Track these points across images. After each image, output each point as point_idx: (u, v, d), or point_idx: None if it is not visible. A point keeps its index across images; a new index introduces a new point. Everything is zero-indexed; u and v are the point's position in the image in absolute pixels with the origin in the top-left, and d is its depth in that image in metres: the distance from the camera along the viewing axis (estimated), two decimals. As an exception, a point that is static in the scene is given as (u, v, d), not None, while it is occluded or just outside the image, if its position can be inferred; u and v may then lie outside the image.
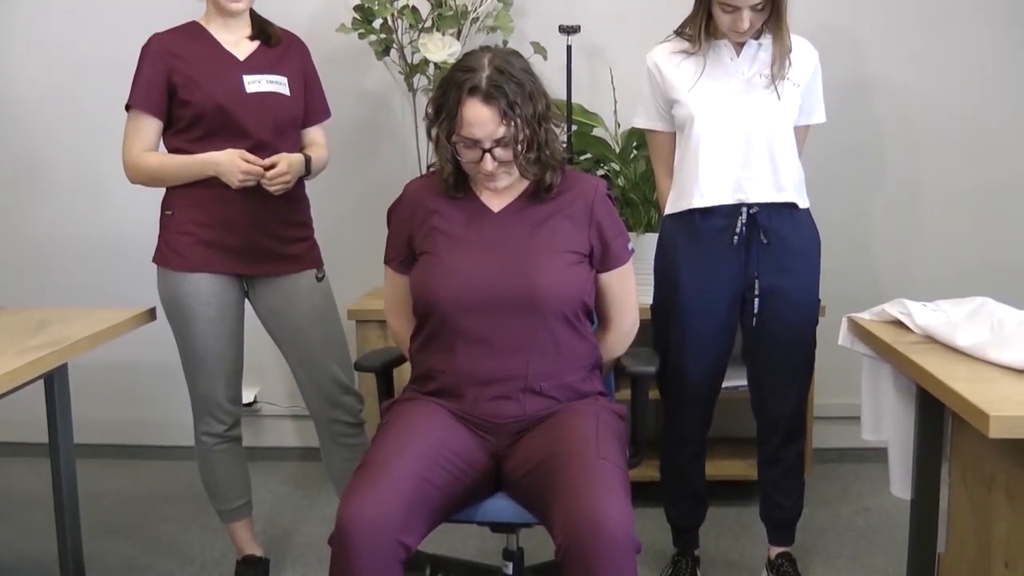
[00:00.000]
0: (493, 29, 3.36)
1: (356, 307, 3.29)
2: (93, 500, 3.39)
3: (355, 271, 3.38)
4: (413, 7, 3.27)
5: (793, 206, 2.54)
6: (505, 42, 3.31)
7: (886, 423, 2.41)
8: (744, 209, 2.51)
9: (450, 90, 2.09)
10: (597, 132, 3.39)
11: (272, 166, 2.51)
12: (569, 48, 3.27)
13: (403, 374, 2.39)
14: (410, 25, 3.28)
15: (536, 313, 2.09)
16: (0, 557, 3.12)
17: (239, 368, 2.72)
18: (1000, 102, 3.56)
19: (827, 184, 3.33)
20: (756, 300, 2.55)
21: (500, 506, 2.13)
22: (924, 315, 2.21)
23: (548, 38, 3.32)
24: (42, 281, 3.84)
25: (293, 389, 3.64)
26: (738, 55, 2.51)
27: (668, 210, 2.62)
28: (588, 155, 3.34)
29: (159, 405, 3.87)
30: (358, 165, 3.61)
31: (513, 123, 2.06)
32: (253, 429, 3.70)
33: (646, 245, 2.95)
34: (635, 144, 3.26)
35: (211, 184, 2.52)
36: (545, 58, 3.26)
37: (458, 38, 3.28)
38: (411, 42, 3.30)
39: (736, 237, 2.51)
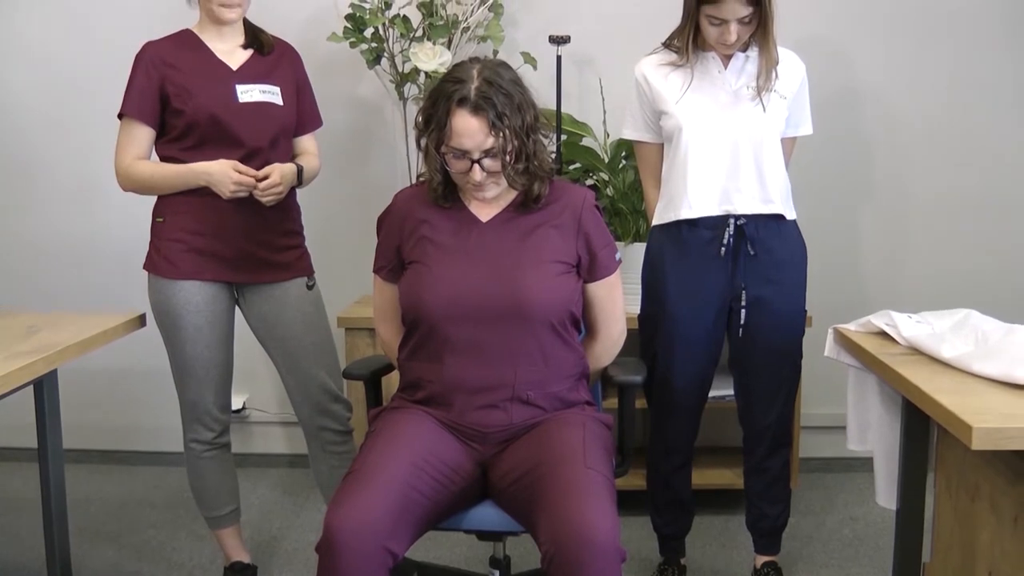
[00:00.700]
0: (484, 39, 3.37)
1: (345, 315, 3.29)
2: (81, 505, 3.39)
3: (345, 279, 3.39)
4: (404, 16, 3.29)
5: (780, 217, 2.56)
6: (495, 52, 3.32)
7: (871, 433, 2.42)
8: (731, 220, 2.52)
9: (439, 101, 2.10)
10: (586, 142, 3.40)
11: (265, 177, 2.51)
12: (559, 58, 3.29)
13: (391, 382, 2.40)
14: (401, 34, 3.29)
15: (523, 323, 2.10)
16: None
17: (229, 375, 2.72)
18: (985, 112, 3.58)
19: (814, 195, 3.36)
20: (743, 311, 2.57)
21: (487, 514, 2.13)
22: (909, 327, 2.23)
23: (538, 48, 3.33)
24: (34, 285, 3.82)
25: (282, 396, 3.65)
26: (725, 67, 2.53)
27: (656, 221, 2.63)
28: (577, 165, 3.36)
29: (147, 410, 3.87)
30: (349, 172, 3.62)
31: (501, 134, 2.08)
32: (242, 436, 3.70)
33: (634, 255, 2.96)
34: (624, 154, 3.27)
35: (202, 192, 2.53)
36: (535, 68, 3.28)
37: (449, 47, 3.29)
38: (402, 51, 3.31)
39: (723, 248, 2.53)
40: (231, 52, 2.62)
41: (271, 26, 2.76)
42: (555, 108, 3.26)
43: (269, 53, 2.66)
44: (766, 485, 2.76)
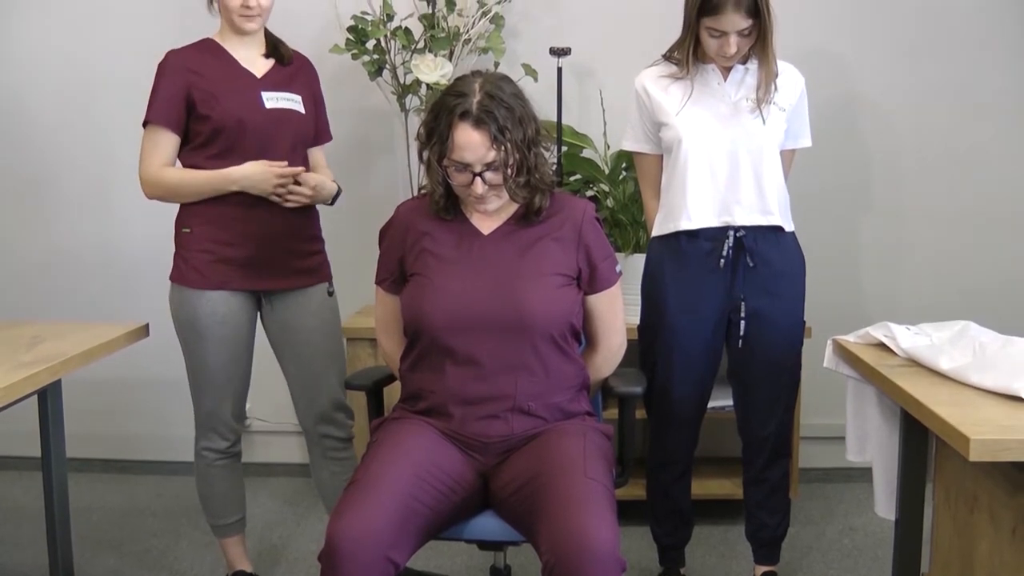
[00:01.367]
0: (485, 50, 3.39)
1: (347, 325, 3.30)
2: (82, 514, 3.40)
3: (346, 289, 3.37)
4: (406, 28, 3.31)
5: (779, 229, 2.57)
6: (496, 64, 3.34)
7: (870, 444, 2.44)
8: (731, 232, 2.54)
9: (441, 114, 2.12)
10: (587, 153, 3.43)
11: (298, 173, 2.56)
12: (559, 70, 3.31)
13: (392, 393, 2.41)
14: (403, 46, 3.31)
15: (524, 334, 2.12)
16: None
17: (246, 386, 2.74)
18: (983, 125, 3.61)
19: (814, 206, 3.37)
20: (742, 322, 2.58)
21: (488, 524, 2.14)
22: (908, 338, 2.25)
23: (539, 60, 3.35)
24: (42, 295, 3.85)
25: (282, 405, 3.66)
26: (725, 79, 2.55)
27: (655, 232, 2.65)
28: (577, 176, 3.38)
29: (148, 420, 3.89)
30: (350, 183, 3.57)
31: (503, 148, 2.09)
32: (243, 445, 3.70)
33: (634, 266, 2.97)
34: (624, 165, 3.29)
35: (229, 201, 2.55)
36: (536, 80, 3.30)
37: (450, 59, 3.31)
38: (404, 63, 3.33)
39: (723, 260, 2.54)
40: (253, 60, 2.64)
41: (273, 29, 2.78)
42: (556, 120, 3.28)
43: (288, 64, 2.68)
44: (765, 495, 2.77)
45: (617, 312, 2.32)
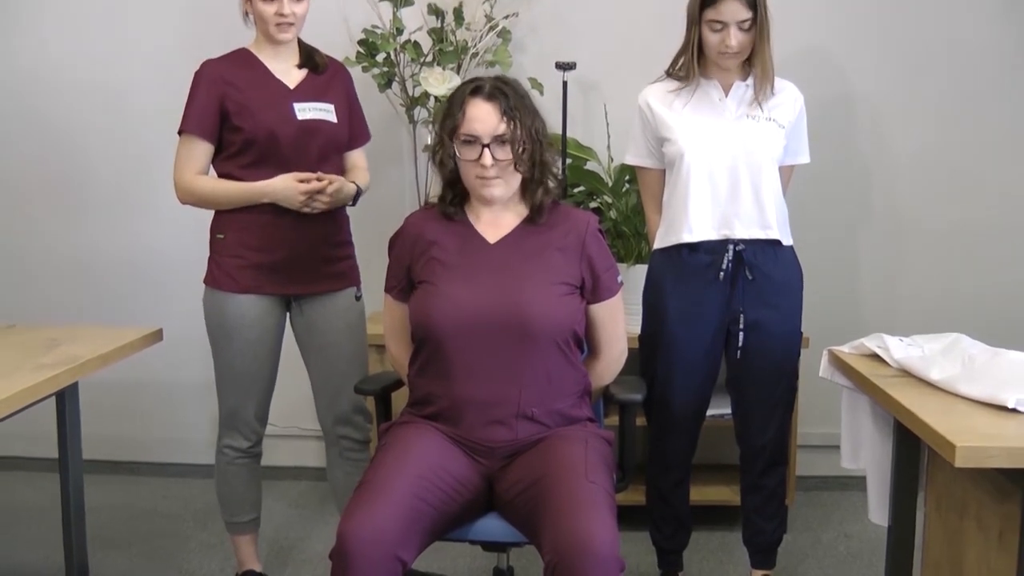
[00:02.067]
0: (492, 64, 3.46)
1: (356, 331, 3.37)
2: (92, 514, 3.40)
3: None
4: (415, 42, 3.39)
5: (777, 243, 2.64)
6: (503, 78, 3.42)
7: (864, 452, 2.49)
8: (730, 246, 2.61)
9: (455, 96, 2.25)
10: (590, 166, 3.50)
11: (329, 182, 2.64)
12: (565, 84, 3.37)
13: (400, 397, 2.48)
14: (412, 59, 3.39)
15: (529, 341, 2.18)
16: (4, 568, 3.20)
17: (270, 388, 2.81)
18: (980, 142, 3.68)
19: (814, 220, 3.45)
20: (741, 333, 2.65)
21: (492, 525, 2.21)
22: (900, 349, 2.31)
23: (545, 74, 3.41)
24: (70, 297, 3.93)
25: (289, 409, 3.74)
26: (726, 95, 2.62)
27: (657, 244, 2.72)
28: (581, 188, 3.45)
29: (157, 423, 3.97)
30: None
31: (514, 123, 2.19)
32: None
33: (636, 276, 3.04)
34: (627, 178, 3.35)
35: (262, 209, 2.63)
36: (542, 93, 3.35)
37: (458, 72, 3.38)
38: (412, 75, 3.41)
39: (722, 272, 2.61)
40: (287, 71, 2.72)
41: None
42: (561, 132, 3.35)
43: (323, 72, 2.76)
44: (763, 501, 2.84)
45: (618, 321, 2.39)
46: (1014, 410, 1.92)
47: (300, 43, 2.77)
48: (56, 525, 3.05)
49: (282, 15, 2.62)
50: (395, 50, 3.37)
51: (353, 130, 2.85)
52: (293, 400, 3.70)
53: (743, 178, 2.60)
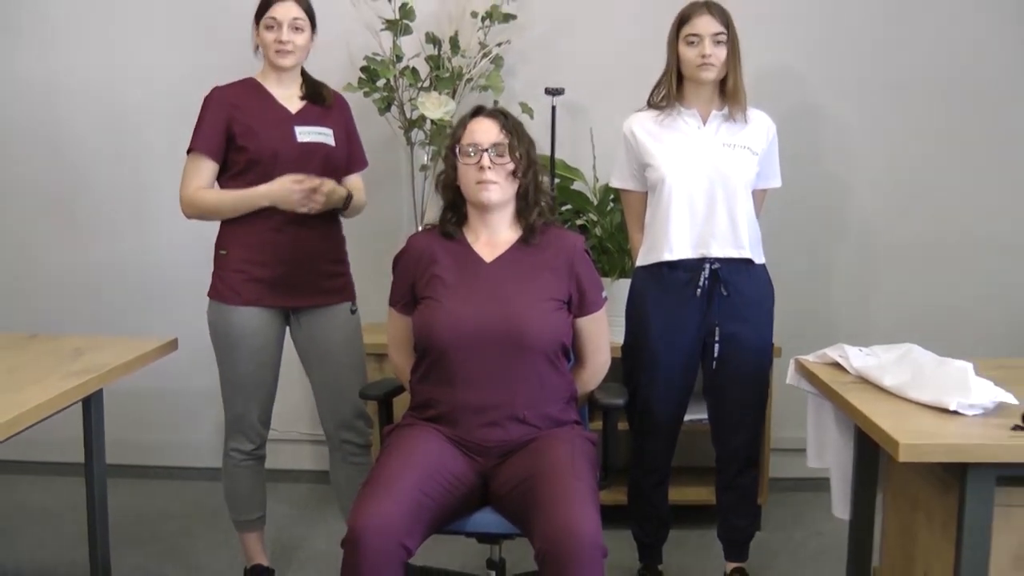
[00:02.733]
0: (485, 88, 3.68)
1: (356, 341, 3.57)
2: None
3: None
4: (413, 68, 3.60)
5: (750, 262, 2.85)
6: (496, 101, 3.62)
7: (828, 452, 2.70)
8: (707, 265, 2.81)
9: (460, 120, 2.52)
10: (577, 186, 3.70)
11: (321, 183, 2.82)
12: (554, 108, 3.58)
13: (400, 403, 2.68)
14: (410, 84, 3.60)
15: (521, 352, 2.39)
16: (31, 567, 3.38)
17: (273, 394, 3.00)
18: (944, 160, 3.93)
19: (789, 237, 3.69)
20: (716, 345, 2.86)
21: (487, 519, 2.42)
22: (859, 358, 2.52)
23: (535, 99, 3.62)
24: (73, 308, 4.12)
25: (289, 414, 3.93)
26: (704, 124, 2.84)
27: (639, 262, 2.93)
28: (568, 206, 3.65)
29: (166, 428, 4.15)
30: None
31: (512, 136, 2.44)
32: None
33: (620, 289, 3.24)
34: (611, 198, 3.56)
35: (263, 225, 2.82)
36: (532, 117, 3.58)
37: (453, 97, 3.60)
38: (411, 99, 3.62)
39: (699, 289, 2.82)
40: (290, 98, 2.92)
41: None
42: (550, 153, 3.56)
43: (330, 106, 2.95)
44: (736, 500, 3.05)
45: (603, 333, 2.60)
46: (956, 412, 2.13)
47: (306, 76, 2.97)
48: (73, 526, 3.25)
49: (281, 42, 2.82)
50: (394, 76, 3.58)
51: (351, 156, 3.05)
52: (293, 406, 3.91)
53: (719, 201, 2.80)
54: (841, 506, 2.72)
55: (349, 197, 2.97)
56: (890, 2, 3.86)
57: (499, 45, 3.69)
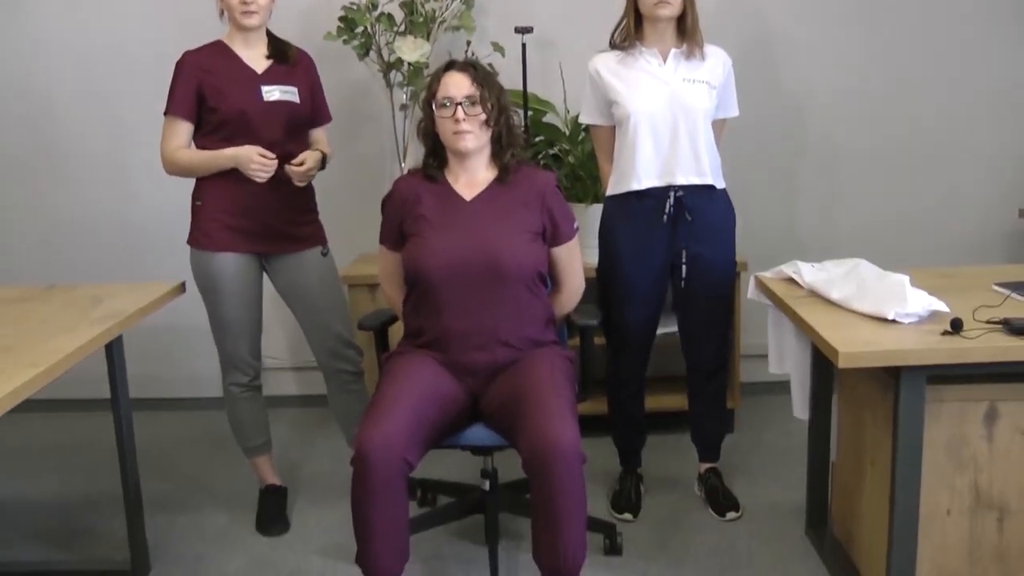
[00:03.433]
0: (457, 28, 3.84)
1: (348, 273, 3.78)
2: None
3: (344, 240, 3.77)
4: (389, 15, 3.76)
5: (712, 188, 3.06)
6: (468, 42, 3.80)
7: (788, 359, 2.94)
8: (672, 192, 3.03)
9: (434, 73, 2.71)
10: (549, 118, 3.90)
11: (301, 162, 3.03)
12: (524, 46, 3.74)
13: (395, 332, 2.93)
14: (386, 29, 3.77)
15: (502, 281, 2.63)
16: (63, 498, 3.65)
17: (259, 330, 3.23)
18: (898, 76, 4.13)
19: (755, 159, 3.92)
20: (683, 266, 3.08)
21: (479, 433, 2.69)
22: (810, 274, 2.76)
23: (506, 37, 3.79)
24: (64, 258, 4.33)
25: (292, 345, 4.20)
26: (664, 62, 3.03)
27: (609, 192, 3.14)
28: (542, 138, 3.86)
29: (173, 362, 4.39)
30: (346, 149, 4.04)
31: (482, 88, 2.64)
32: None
33: (593, 214, 3.46)
34: (583, 128, 3.72)
35: (235, 178, 3.01)
36: (503, 56, 3.76)
37: (427, 39, 3.77)
38: (387, 44, 3.78)
39: (666, 216, 3.04)
40: (256, 58, 3.09)
41: (274, 25, 3.18)
42: (522, 88, 3.75)
43: (294, 65, 3.13)
44: (706, 405, 3.32)
45: (576, 260, 2.84)
46: (894, 321, 2.37)
47: (271, 36, 3.14)
48: (93, 458, 3.49)
49: (245, 3, 2.99)
50: (371, 23, 3.74)
51: (316, 111, 3.24)
52: (291, 339, 4.15)
53: (681, 133, 3.00)
54: (801, 408, 2.98)
55: (324, 157, 3.17)
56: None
57: (470, -15, 3.85)
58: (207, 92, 3.01)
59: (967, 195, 4.25)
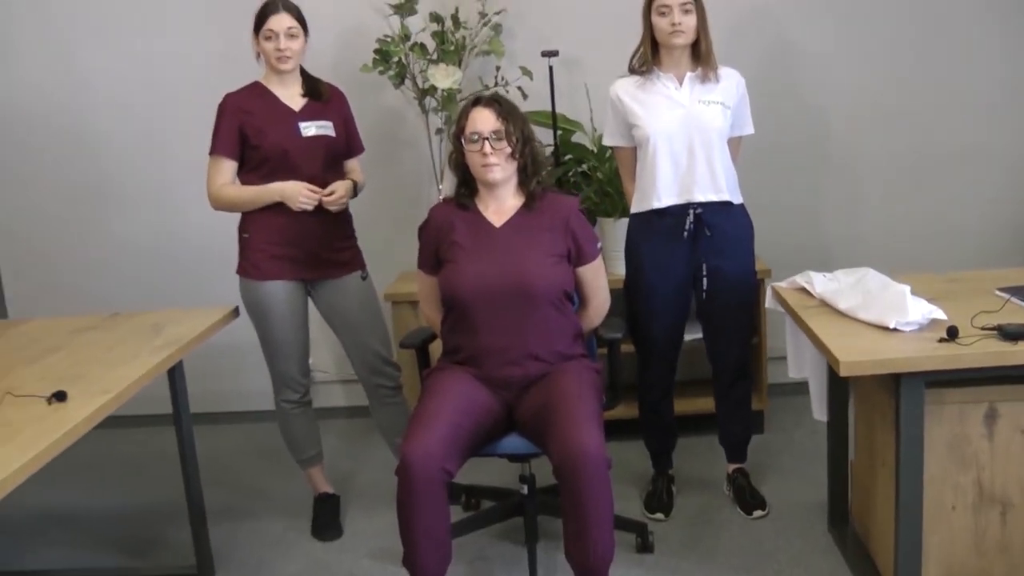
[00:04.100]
0: (488, 53, 4.05)
1: (390, 291, 4.01)
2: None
3: (384, 260, 4.03)
4: (421, 44, 3.97)
5: (729, 203, 3.23)
6: (498, 67, 4.00)
7: (806, 364, 3.09)
8: (691, 210, 3.20)
9: (462, 109, 2.91)
10: (578, 137, 4.08)
11: (331, 192, 3.24)
12: (551, 68, 3.93)
13: (435, 348, 3.13)
14: (418, 58, 3.97)
15: (530, 301, 2.83)
16: (129, 508, 3.90)
17: (306, 350, 3.45)
18: (915, 83, 4.26)
19: (778, 171, 4.07)
20: (704, 279, 3.26)
21: (514, 442, 2.88)
22: (822, 284, 2.91)
23: (533, 60, 3.98)
24: (118, 280, 4.57)
25: (339, 359, 4.38)
26: (680, 86, 3.21)
27: (633, 210, 3.32)
28: (570, 156, 4.05)
29: (229, 379, 4.60)
30: (384, 172, 4.28)
31: (507, 122, 2.83)
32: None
33: (620, 228, 3.64)
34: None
35: (279, 211, 3.23)
36: (531, 78, 3.96)
37: (459, 66, 3.97)
38: (421, 71, 3.99)
39: (686, 232, 3.21)
40: (292, 97, 3.31)
41: (314, 58, 3.41)
42: (551, 109, 3.93)
43: (327, 101, 3.34)
44: (732, 409, 3.49)
45: (600, 278, 3.03)
46: (895, 329, 2.53)
47: (304, 74, 3.35)
48: (157, 470, 3.74)
49: (280, 50, 3.21)
50: (404, 54, 3.95)
51: (350, 143, 3.45)
52: (338, 354, 4.36)
53: (698, 153, 3.17)
54: (819, 410, 3.15)
55: (355, 185, 3.38)
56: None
57: (497, 13, 4.05)
58: (249, 131, 3.23)
59: (989, 199, 4.36)
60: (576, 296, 3.04)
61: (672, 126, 3.18)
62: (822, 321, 2.69)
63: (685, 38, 3.13)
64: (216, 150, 3.26)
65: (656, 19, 3.13)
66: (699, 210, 3.21)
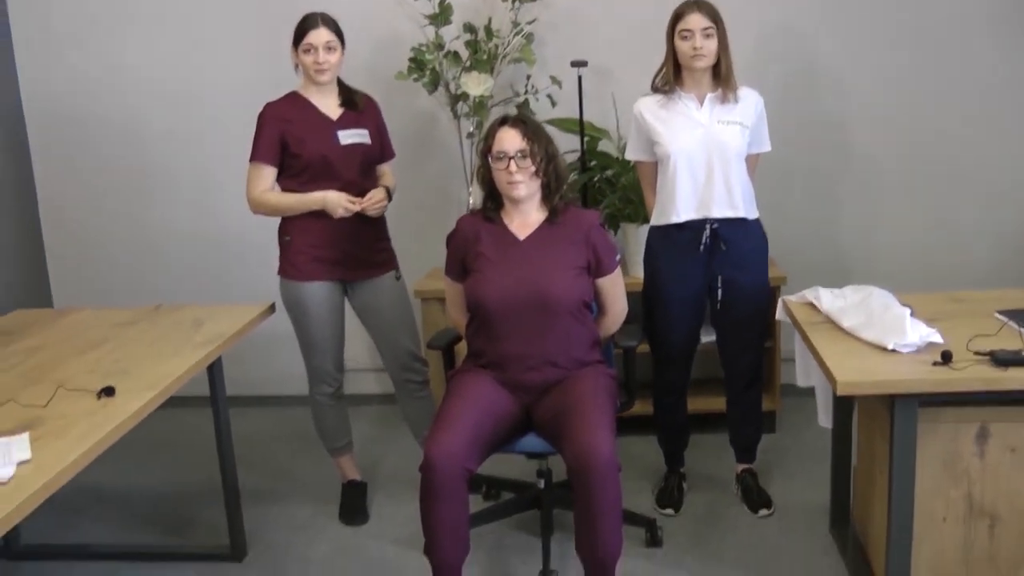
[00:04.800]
0: (519, 60, 4.19)
1: (420, 288, 4.18)
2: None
3: (416, 257, 4.23)
4: (455, 52, 4.13)
5: (744, 219, 3.37)
6: (528, 76, 4.15)
7: (813, 373, 3.22)
8: (708, 225, 3.34)
9: (489, 128, 3.06)
10: (604, 145, 4.23)
11: (369, 198, 3.40)
12: (580, 78, 4.08)
13: (459, 348, 3.31)
14: (451, 66, 4.13)
15: (551, 310, 2.99)
16: (175, 486, 4.11)
17: (342, 346, 3.63)
18: (933, 92, 4.34)
19: (796, 180, 4.19)
20: (719, 290, 3.40)
21: (532, 441, 3.05)
22: (829, 300, 3.05)
23: (562, 69, 4.13)
24: (164, 273, 4.77)
25: (372, 350, 4.51)
26: (700, 106, 3.35)
27: (652, 223, 3.47)
28: (595, 163, 4.19)
29: (263, 364, 4.78)
30: (417, 174, 4.47)
31: (532, 141, 2.98)
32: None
33: (643, 234, 3.72)
34: (633, 157, 4.08)
35: (319, 215, 3.40)
36: (560, 87, 4.10)
37: (491, 74, 4.12)
38: (454, 78, 4.14)
39: (702, 246, 3.36)
40: (330, 106, 3.47)
41: (349, 61, 3.52)
42: (579, 116, 4.08)
43: (362, 110, 3.50)
44: (743, 412, 3.64)
45: (618, 288, 3.19)
46: (893, 351, 2.66)
47: (341, 84, 3.51)
48: (190, 451, 4.00)
49: (318, 63, 3.36)
50: (438, 62, 4.11)
51: (383, 149, 3.61)
52: (371, 345, 4.51)
53: (716, 171, 3.31)
54: (825, 417, 3.29)
55: (389, 193, 3.53)
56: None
57: (529, 23, 4.18)
58: (289, 140, 3.39)
59: (1008, 212, 4.44)
60: (595, 305, 3.19)
61: (692, 145, 3.32)
62: (825, 338, 2.83)
63: (706, 61, 3.27)
64: (257, 157, 3.41)
65: (679, 42, 3.27)
66: (716, 225, 3.35)
